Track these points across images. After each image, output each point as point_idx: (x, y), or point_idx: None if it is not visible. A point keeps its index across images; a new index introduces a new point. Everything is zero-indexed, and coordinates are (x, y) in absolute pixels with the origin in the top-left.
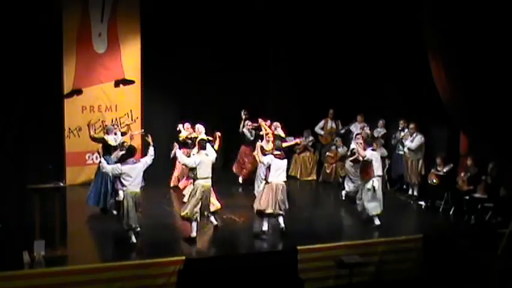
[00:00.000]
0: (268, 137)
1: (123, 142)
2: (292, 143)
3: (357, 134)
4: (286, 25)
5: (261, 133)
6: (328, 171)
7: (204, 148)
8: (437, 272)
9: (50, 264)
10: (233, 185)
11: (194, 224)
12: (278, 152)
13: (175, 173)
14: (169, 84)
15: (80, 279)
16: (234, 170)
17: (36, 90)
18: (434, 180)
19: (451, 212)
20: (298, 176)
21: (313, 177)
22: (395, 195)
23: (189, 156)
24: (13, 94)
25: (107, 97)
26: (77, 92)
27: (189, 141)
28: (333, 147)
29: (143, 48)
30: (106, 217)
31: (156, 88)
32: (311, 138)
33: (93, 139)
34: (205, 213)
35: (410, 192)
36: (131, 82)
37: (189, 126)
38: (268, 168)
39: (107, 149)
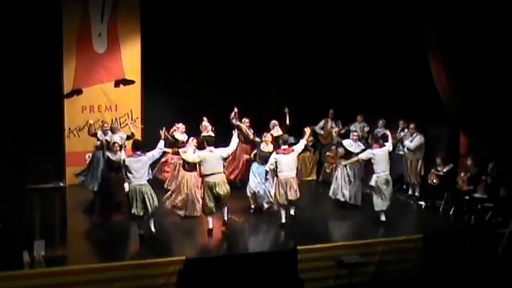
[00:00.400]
0: (267, 138)
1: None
2: (307, 135)
3: (354, 131)
4: (286, 25)
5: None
6: (328, 171)
7: (208, 146)
8: (437, 272)
9: (50, 264)
10: (233, 185)
11: (210, 218)
12: (285, 147)
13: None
14: (169, 84)
15: (79, 279)
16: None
17: (36, 90)
18: (434, 180)
19: (451, 212)
20: (298, 176)
21: (313, 177)
22: (395, 195)
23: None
24: (13, 94)
25: (107, 97)
26: (77, 92)
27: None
28: (333, 147)
29: (143, 48)
30: (106, 217)
31: (156, 88)
32: (311, 138)
33: (98, 140)
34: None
35: (410, 192)
36: (131, 82)
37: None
38: (276, 166)
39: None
